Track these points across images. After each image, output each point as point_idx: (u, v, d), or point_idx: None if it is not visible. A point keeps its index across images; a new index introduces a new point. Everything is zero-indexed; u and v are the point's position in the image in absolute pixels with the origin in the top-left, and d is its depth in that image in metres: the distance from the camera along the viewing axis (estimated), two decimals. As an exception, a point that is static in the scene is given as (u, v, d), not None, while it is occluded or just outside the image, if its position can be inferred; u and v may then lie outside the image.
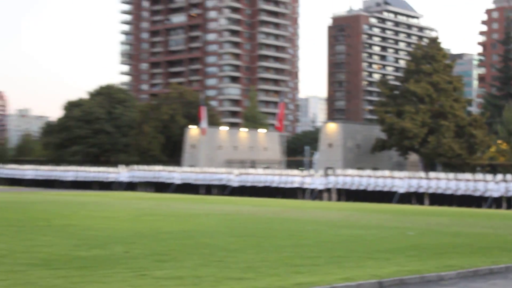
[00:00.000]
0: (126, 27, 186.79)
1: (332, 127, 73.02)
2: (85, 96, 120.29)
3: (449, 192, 45.72)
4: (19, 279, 11.67)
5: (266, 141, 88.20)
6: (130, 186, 63.28)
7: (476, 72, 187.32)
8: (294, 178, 53.00)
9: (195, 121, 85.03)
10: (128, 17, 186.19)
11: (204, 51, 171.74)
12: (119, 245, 17.04)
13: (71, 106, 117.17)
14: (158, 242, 17.79)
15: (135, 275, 12.25)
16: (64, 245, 16.86)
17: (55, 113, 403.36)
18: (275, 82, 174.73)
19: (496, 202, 44.65)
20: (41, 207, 32.48)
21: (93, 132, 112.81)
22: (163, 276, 12.19)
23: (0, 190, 58.19)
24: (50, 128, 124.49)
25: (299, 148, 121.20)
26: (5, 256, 14.50)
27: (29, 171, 73.07)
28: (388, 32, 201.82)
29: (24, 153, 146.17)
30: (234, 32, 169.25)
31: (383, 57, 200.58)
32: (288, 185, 52.89)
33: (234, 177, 56.41)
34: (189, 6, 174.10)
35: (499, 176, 46.01)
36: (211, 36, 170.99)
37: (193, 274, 12.54)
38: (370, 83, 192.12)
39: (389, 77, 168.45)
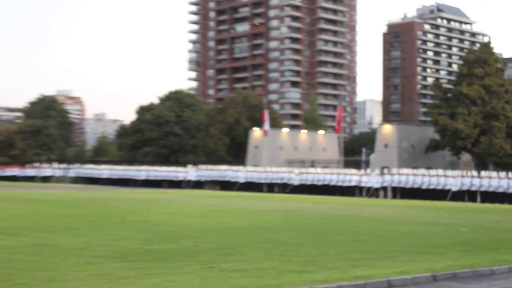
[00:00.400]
0: (194, 36, 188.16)
1: (388, 129, 72.49)
2: (156, 101, 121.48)
3: (500, 190, 45.04)
4: (96, 270, 11.85)
5: (325, 142, 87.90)
6: (198, 184, 63.66)
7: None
8: (351, 177, 52.72)
9: (258, 123, 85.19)
10: (195, 27, 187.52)
11: (266, 57, 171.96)
12: (188, 239, 17.16)
13: (143, 110, 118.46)
14: (224, 237, 17.86)
15: (203, 268, 12.33)
16: (137, 239, 17.05)
17: (129, 116, 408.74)
18: (334, 86, 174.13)
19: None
20: (116, 204, 32.86)
21: (163, 134, 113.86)
22: (228, 269, 12.25)
23: (79, 188, 59.15)
24: (124, 131, 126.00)
25: (356, 149, 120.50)
26: (84, 249, 14.74)
27: (105, 170, 74.10)
28: (442, 37, 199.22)
29: (100, 154, 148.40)
30: (294, 40, 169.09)
31: (436, 62, 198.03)
32: (346, 184, 52.63)
33: (295, 176, 56.32)
34: (253, 16, 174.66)
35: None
36: (273, 44, 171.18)
37: (257, 267, 12.58)
38: (424, 87, 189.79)
39: (442, 80, 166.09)
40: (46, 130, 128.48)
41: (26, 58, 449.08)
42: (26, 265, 12.30)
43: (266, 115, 72.08)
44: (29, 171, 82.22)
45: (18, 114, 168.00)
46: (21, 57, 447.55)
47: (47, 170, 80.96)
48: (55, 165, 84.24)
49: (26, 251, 14.34)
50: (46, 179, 78.39)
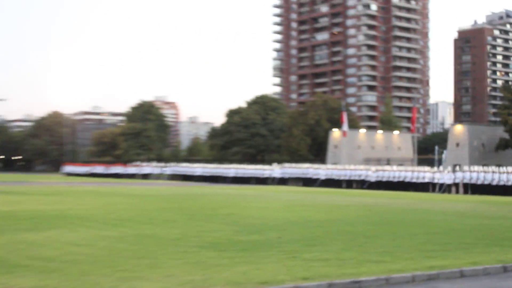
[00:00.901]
0: (278, 46, 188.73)
1: (459, 129, 71.15)
2: (243, 105, 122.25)
3: None
4: (191, 258, 12.02)
5: (400, 141, 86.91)
6: (282, 181, 63.73)
7: None
8: (425, 174, 51.94)
9: (338, 124, 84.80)
10: (279, 37, 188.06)
11: (344, 64, 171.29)
12: (273, 231, 17.22)
13: (232, 114, 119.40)
14: (306, 229, 17.85)
15: (287, 257, 12.36)
16: (228, 231, 17.19)
17: (219, 119, 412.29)
18: (408, 89, 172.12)
19: None
20: (208, 199, 33.21)
21: (250, 135, 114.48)
22: (311, 258, 12.25)
23: (175, 184, 60.02)
24: (215, 133, 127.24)
25: (429, 148, 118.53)
26: (180, 239, 14.95)
27: (198, 168, 74.95)
28: (511, 42, 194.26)
29: (193, 153, 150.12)
30: (371, 47, 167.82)
31: (506, 65, 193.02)
32: (420, 180, 51.87)
33: (372, 173, 55.87)
34: (332, 25, 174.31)
35: None
36: (350, 51, 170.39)
37: (337, 257, 12.54)
38: (494, 89, 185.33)
39: (511, 82, 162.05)
40: (146, 132, 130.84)
41: (128, 67, 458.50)
42: (129, 253, 12.57)
43: (345, 117, 71.75)
44: (130, 169, 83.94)
45: (121, 118, 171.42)
46: (123, 67, 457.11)
47: (146, 168, 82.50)
48: (154, 163, 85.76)
49: (129, 240, 14.65)
50: (145, 176, 79.85)
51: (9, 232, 15.94)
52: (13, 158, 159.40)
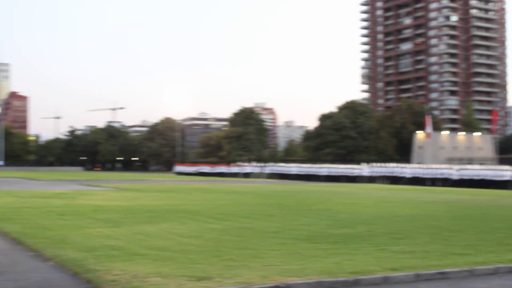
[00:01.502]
0: (365, 55, 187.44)
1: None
2: (334, 109, 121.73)
3: None
4: (288, 250, 11.99)
5: (481, 142, 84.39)
6: (371, 179, 62.99)
7: None
8: (505, 172, 50.23)
9: (422, 127, 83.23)
10: (366, 47, 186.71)
11: (427, 71, 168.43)
12: (363, 225, 16.99)
13: (324, 118, 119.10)
14: (394, 224, 17.53)
15: (377, 249, 12.15)
16: (321, 225, 17.08)
17: (312, 123, 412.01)
18: (487, 94, 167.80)
19: None
20: (303, 196, 33.15)
21: (341, 137, 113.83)
22: (399, 251, 12.00)
23: (273, 182, 60.23)
24: (308, 135, 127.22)
25: (509, 148, 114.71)
26: (278, 232, 14.95)
27: (293, 168, 75.03)
28: None
29: (289, 154, 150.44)
30: (452, 55, 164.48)
31: None
32: (500, 178, 50.19)
33: (455, 171, 54.45)
34: (415, 36, 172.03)
35: None
36: (433, 59, 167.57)
37: (423, 249, 12.23)
38: None
39: None
40: (247, 135, 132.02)
41: (231, 76, 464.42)
42: (233, 244, 12.64)
43: (428, 120, 70.45)
44: (233, 169, 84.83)
45: (225, 123, 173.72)
46: (227, 75, 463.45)
47: (247, 167, 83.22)
48: (254, 163, 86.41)
49: (232, 233, 14.75)
50: (247, 175, 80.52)
51: (128, 224, 16.35)
52: (131, 159, 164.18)
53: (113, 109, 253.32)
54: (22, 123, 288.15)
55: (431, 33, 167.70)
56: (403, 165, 63.08)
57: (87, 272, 9.36)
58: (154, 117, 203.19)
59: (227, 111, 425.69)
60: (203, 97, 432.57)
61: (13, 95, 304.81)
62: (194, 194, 33.37)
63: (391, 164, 64.29)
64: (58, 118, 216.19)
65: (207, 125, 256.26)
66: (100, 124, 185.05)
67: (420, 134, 79.59)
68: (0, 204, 23.13)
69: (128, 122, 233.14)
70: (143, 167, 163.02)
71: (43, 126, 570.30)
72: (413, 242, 13.27)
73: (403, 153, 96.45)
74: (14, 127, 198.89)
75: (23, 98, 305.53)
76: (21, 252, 11.60)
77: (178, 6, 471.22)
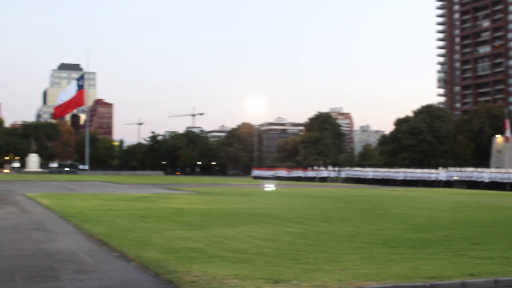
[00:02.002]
0: (441, 59, 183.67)
1: None
2: (410, 114, 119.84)
3: None
4: (364, 253, 11.86)
5: None
6: (447, 184, 61.63)
7: None
8: None
9: (500, 131, 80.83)
10: (442, 51, 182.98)
11: (506, 74, 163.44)
12: (440, 230, 16.62)
13: (400, 122, 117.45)
14: (472, 229, 17.06)
15: (454, 255, 11.86)
16: (397, 229, 16.82)
17: (388, 127, 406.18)
18: None
19: None
20: (379, 200, 32.74)
21: (417, 142, 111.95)
22: (477, 256, 11.67)
23: (349, 186, 59.75)
24: (384, 140, 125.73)
25: None
26: (354, 236, 14.82)
27: (369, 172, 74.28)
28: None
29: (365, 159, 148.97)
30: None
31: None
32: None
33: (535, 176, 52.58)
34: (493, 39, 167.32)
35: None
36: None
37: (503, 255, 11.85)
38: None
39: None
40: (323, 140, 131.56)
41: (307, 81, 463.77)
42: (310, 247, 12.61)
43: (507, 123, 68.26)
44: (310, 173, 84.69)
45: (301, 128, 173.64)
46: (303, 80, 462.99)
47: (323, 172, 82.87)
48: (330, 168, 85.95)
49: (309, 236, 14.71)
50: (323, 179, 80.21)
51: (207, 227, 16.56)
52: (210, 163, 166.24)
53: (193, 115, 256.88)
54: (107, 129, 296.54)
55: (510, 35, 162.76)
56: (481, 169, 61.39)
57: (168, 273, 9.54)
58: (232, 123, 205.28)
59: (304, 116, 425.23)
60: (280, 102, 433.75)
61: (99, 102, 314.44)
62: (271, 198, 33.48)
63: (469, 169, 62.69)
64: (140, 124, 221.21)
65: (283, 130, 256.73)
66: (180, 129, 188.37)
67: (499, 138, 77.18)
68: (87, 206, 23.86)
69: (207, 128, 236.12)
70: (222, 171, 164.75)
71: (127, 131, 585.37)
72: (491, 248, 12.88)
73: (481, 157, 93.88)
74: (99, 133, 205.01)
75: (108, 105, 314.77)
76: (106, 253, 11.93)
77: (255, 11, 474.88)
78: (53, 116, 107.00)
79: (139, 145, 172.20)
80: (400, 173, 68.92)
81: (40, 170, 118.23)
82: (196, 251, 11.84)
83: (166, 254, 11.28)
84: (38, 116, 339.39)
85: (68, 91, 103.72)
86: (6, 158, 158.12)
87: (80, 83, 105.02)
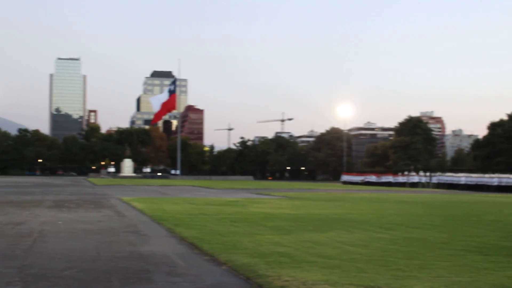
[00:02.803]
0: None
1: None
2: (504, 117, 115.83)
3: None
4: (457, 261, 11.54)
5: None
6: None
7: None
8: None
9: None
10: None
11: None
12: (539, 238, 15.94)
13: (494, 126, 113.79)
14: None
15: (554, 264, 11.35)
16: (492, 236, 16.27)
17: (481, 132, 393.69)
18: None
19: None
20: (472, 206, 31.78)
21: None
22: None
23: (440, 192, 58.32)
24: (478, 144, 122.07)
25: None
26: (446, 243, 14.45)
27: (462, 178, 72.24)
28: None
29: (457, 164, 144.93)
30: None
31: None
32: None
33: None
34: None
35: None
36: None
37: None
38: None
39: None
40: (413, 145, 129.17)
41: (397, 85, 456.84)
42: (400, 254, 12.39)
43: None
44: (400, 178, 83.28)
45: (391, 132, 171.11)
46: (394, 84, 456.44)
47: (414, 177, 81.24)
48: (421, 173, 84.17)
49: (400, 242, 14.46)
50: (413, 185, 78.62)
51: (296, 232, 16.57)
52: (299, 168, 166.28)
53: (282, 120, 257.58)
54: (198, 134, 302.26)
55: None
56: None
57: (258, 277, 9.61)
58: (321, 128, 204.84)
59: (394, 120, 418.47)
60: (370, 107, 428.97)
61: (190, 108, 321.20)
62: (360, 203, 33.13)
63: None
64: (230, 129, 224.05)
65: (373, 135, 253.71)
66: (270, 134, 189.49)
67: None
68: (179, 210, 24.37)
69: (296, 133, 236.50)
70: (311, 176, 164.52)
71: (217, 137, 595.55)
72: None
73: None
74: (190, 138, 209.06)
75: (199, 111, 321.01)
76: (197, 256, 12.14)
77: (342, 15, 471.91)
78: (152, 121, 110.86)
79: (229, 151, 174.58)
80: (494, 178, 66.64)
81: (134, 175, 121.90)
82: (285, 256, 11.87)
83: (256, 259, 11.36)
84: (132, 122, 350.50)
85: (162, 97, 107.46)
86: (102, 163, 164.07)
87: (172, 88, 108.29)
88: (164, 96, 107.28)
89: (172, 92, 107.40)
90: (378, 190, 63.14)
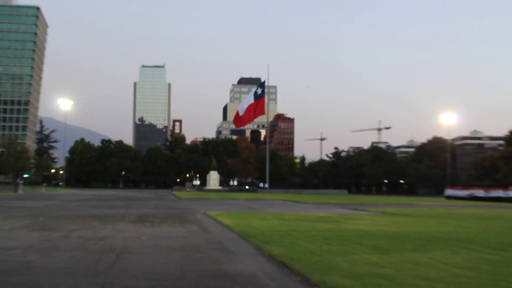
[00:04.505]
0: None
1: None
2: None
3: None
4: None
5: None
6: None
7: None
8: None
9: None
10: None
11: None
12: None
13: None
14: None
15: None
16: None
17: None
18: None
19: None
20: None
21: None
22: None
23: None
24: None
25: None
26: None
27: None
28: None
29: None
30: None
31: None
32: None
33: None
34: None
35: None
36: None
37: None
38: None
39: None
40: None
41: (505, 92, 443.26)
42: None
43: None
44: (511, 193, 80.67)
45: (501, 142, 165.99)
46: (502, 89, 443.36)
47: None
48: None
49: (513, 265, 13.93)
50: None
51: (395, 251, 16.25)
52: (397, 181, 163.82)
53: (379, 129, 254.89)
54: (288, 145, 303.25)
55: None
56: None
57: (354, 301, 9.44)
58: (422, 137, 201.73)
59: (504, 128, 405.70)
60: (476, 114, 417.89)
61: (280, 117, 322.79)
62: (467, 220, 32.22)
63: None
64: (322, 139, 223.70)
65: (480, 144, 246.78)
66: (365, 145, 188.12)
67: None
68: (267, 227, 24.41)
69: (394, 143, 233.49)
70: (410, 190, 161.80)
71: (308, 147, 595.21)
72: None
73: None
74: (280, 149, 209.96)
75: (289, 120, 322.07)
76: (287, 276, 12.08)
77: (440, 22, 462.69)
78: (237, 124, 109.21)
79: (321, 162, 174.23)
80: None
81: (220, 188, 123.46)
82: (384, 277, 11.64)
83: (351, 280, 11.20)
84: (219, 132, 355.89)
85: (249, 99, 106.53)
86: (187, 175, 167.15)
87: (260, 92, 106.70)
88: (250, 100, 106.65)
89: (260, 96, 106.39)
90: (487, 206, 61.35)
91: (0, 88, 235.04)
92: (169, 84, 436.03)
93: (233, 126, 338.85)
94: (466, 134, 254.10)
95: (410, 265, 13.47)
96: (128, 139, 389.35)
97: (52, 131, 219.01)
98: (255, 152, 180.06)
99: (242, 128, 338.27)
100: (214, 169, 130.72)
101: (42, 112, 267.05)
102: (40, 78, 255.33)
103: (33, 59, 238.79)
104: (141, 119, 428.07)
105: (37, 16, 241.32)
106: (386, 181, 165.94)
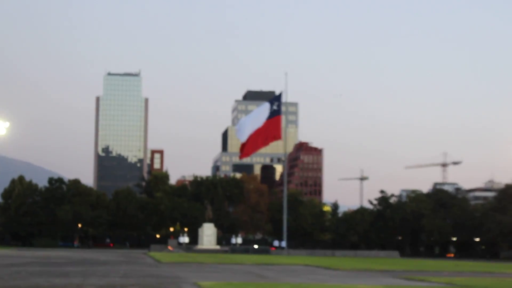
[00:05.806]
0: None
1: None
2: None
3: None
4: None
5: None
6: None
7: None
8: None
9: None
10: None
11: None
12: None
13: None
14: None
15: None
16: None
17: None
18: None
19: None
20: None
21: None
22: None
23: None
24: None
25: None
26: None
27: None
28: None
29: None
30: None
31: None
32: None
33: None
34: None
35: None
36: None
37: None
38: None
39: None
40: None
41: None
42: None
43: None
44: None
45: None
46: None
47: None
48: None
49: None
50: None
51: None
52: (472, 239, 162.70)
53: (443, 165, 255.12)
54: (314, 186, 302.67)
55: None
56: None
57: None
58: (505, 176, 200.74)
59: None
60: None
61: (302, 147, 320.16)
62: None
63: None
64: (363, 179, 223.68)
65: None
66: (425, 187, 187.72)
67: None
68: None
69: (465, 184, 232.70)
70: (491, 252, 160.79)
71: (342, 190, 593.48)
72: None
73: None
74: (303, 192, 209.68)
75: (315, 151, 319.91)
76: None
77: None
78: (241, 155, 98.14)
79: (361, 211, 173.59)
80: None
81: (218, 247, 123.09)
82: None
83: None
84: (216, 168, 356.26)
85: (258, 117, 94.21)
86: (171, 229, 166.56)
87: (275, 107, 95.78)
88: (260, 117, 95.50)
89: (276, 113, 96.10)
90: None
91: None
92: (146, 100, 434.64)
93: (236, 160, 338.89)
94: None
95: None
96: (87, 178, 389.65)
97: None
98: (267, 197, 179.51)
99: (248, 161, 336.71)
100: (210, 221, 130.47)
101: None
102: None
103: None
104: (105, 149, 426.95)
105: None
106: (454, 238, 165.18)
